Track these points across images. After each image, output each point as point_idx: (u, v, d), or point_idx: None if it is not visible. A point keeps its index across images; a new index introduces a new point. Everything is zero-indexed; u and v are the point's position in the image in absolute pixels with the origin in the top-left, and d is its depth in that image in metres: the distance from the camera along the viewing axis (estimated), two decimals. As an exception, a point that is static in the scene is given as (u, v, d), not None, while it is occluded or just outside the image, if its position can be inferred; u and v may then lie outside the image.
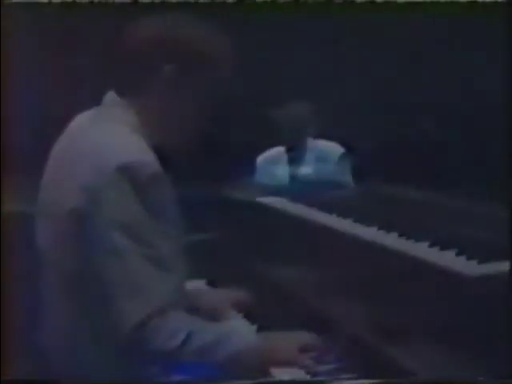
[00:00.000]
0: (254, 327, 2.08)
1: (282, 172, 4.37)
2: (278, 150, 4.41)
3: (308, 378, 1.79)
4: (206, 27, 1.91)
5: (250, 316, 2.17)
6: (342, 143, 4.24)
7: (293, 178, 4.33)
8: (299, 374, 1.80)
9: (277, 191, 3.10)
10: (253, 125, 4.50)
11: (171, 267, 1.78)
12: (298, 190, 3.63)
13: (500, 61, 2.07)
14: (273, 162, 4.40)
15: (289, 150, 4.38)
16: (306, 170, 4.30)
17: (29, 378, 1.87)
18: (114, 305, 1.72)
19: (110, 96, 1.90)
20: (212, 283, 2.50)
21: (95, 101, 1.94)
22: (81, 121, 1.92)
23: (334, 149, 4.27)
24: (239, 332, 1.87)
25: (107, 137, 1.82)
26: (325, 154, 4.27)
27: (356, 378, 1.74)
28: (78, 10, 2.28)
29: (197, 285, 2.31)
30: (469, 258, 1.75)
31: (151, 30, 1.88)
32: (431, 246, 1.89)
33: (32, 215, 1.92)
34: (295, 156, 4.36)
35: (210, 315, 2.08)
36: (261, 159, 4.47)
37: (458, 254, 1.79)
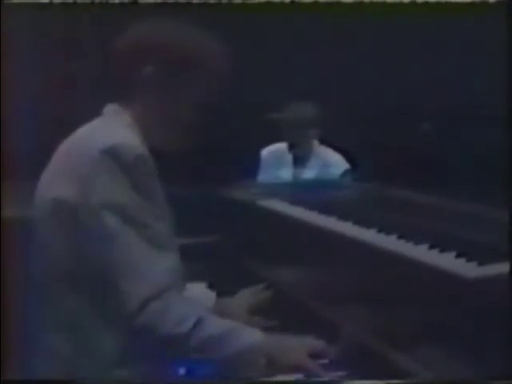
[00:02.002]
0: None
1: (286, 172, 4.37)
2: (283, 146, 4.42)
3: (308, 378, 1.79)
4: (195, 29, 1.92)
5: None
6: (345, 145, 4.25)
7: (295, 175, 4.34)
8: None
9: (277, 193, 3.10)
10: (255, 126, 4.51)
11: (165, 247, 1.78)
12: (298, 187, 3.64)
13: (500, 61, 2.06)
14: (277, 159, 4.41)
15: (291, 148, 4.39)
16: (308, 171, 4.32)
17: (29, 378, 1.87)
18: (117, 289, 1.72)
19: (110, 107, 1.93)
20: (212, 286, 2.50)
21: (96, 102, 1.94)
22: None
23: (338, 159, 4.28)
24: (248, 329, 1.86)
25: (94, 128, 1.86)
26: (328, 162, 4.28)
27: (357, 379, 1.74)
28: (78, 10, 2.28)
29: (197, 287, 2.30)
30: (468, 260, 1.75)
31: (137, 34, 1.91)
32: (431, 248, 1.89)
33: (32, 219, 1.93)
34: (298, 155, 4.37)
35: None
36: (265, 152, 4.47)
37: (457, 256, 1.79)
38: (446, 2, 2.19)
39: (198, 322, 1.74)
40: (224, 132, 4.57)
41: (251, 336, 1.82)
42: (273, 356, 1.80)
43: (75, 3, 2.24)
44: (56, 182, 1.82)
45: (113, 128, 1.84)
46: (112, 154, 1.74)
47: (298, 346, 1.84)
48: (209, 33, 1.94)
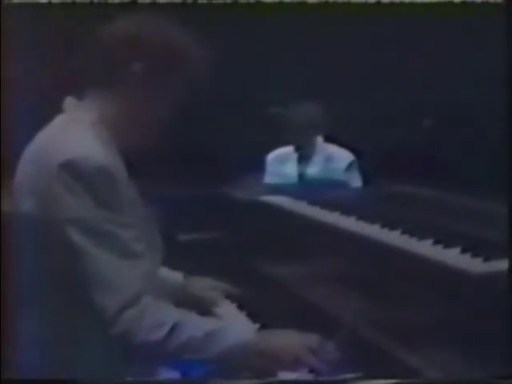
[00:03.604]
0: (256, 326, 2.07)
1: (291, 171, 4.38)
2: (288, 149, 4.42)
3: (308, 377, 1.78)
4: (185, 29, 1.90)
5: (251, 315, 2.17)
6: (348, 143, 4.25)
7: (301, 176, 4.34)
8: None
9: (282, 190, 3.10)
10: (260, 124, 4.51)
11: (136, 254, 1.77)
12: (305, 188, 3.63)
13: (500, 61, 2.06)
14: (282, 161, 4.41)
15: (297, 149, 4.40)
16: (314, 169, 4.32)
17: (29, 377, 1.87)
18: (91, 302, 1.73)
19: (68, 101, 1.91)
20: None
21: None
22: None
23: (343, 153, 4.29)
24: (236, 327, 1.85)
25: (52, 136, 1.83)
26: (334, 156, 4.29)
27: (359, 378, 1.73)
28: (78, 11, 2.28)
29: (174, 276, 2.28)
30: (473, 256, 1.74)
31: (127, 30, 1.88)
32: (435, 243, 1.89)
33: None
34: (303, 155, 4.37)
35: (198, 305, 2.08)
36: (271, 157, 4.48)
37: (462, 252, 1.79)
38: (446, 2, 2.19)
39: (175, 327, 1.74)
40: (229, 132, 4.57)
41: (240, 335, 1.81)
42: (269, 352, 1.79)
43: (74, 3, 2.24)
44: (24, 195, 1.80)
45: (72, 135, 1.80)
46: (70, 169, 1.72)
47: (297, 340, 1.83)
48: (211, 33, 1.93)
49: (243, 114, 4.79)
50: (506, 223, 1.77)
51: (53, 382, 1.83)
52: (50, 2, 2.25)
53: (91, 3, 2.25)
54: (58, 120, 1.89)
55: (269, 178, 4.41)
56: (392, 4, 2.25)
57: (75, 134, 1.81)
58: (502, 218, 1.85)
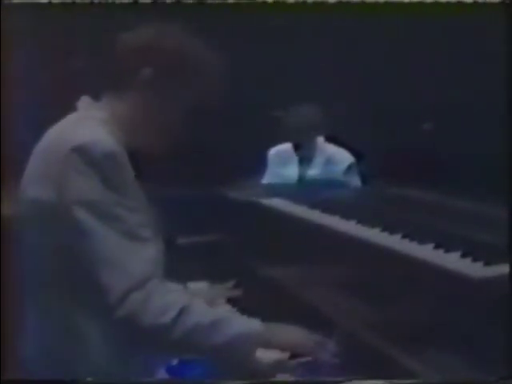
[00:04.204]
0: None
1: (291, 171, 4.38)
2: (289, 146, 4.42)
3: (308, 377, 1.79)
4: (198, 39, 1.93)
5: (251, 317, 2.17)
6: (348, 145, 4.25)
7: (301, 177, 4.34)
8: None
9: (282, 192, 3.10)
10: (260, 127, 4.51)
11: (143, 238, 1.79)
12: (305, 190, 3.63)
13: (500, 61, 2.06)
14: (283, 161, 4.41)
15: (296, 149, 4.39)
16: (314, 170, 4.32)
17: (29, 378, 1.87)
18: (98, 282, 1.73)
19: (84, 99, 1.94)
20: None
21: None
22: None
23: (343, 153, 4.29)
24: (241, 318, 1.86)
25: (66, 126, 1.88)
26: (334, 157, 4.29)
27: (358, 379, 1.73)
28: (78, 11, 2.28)
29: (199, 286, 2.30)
30: (474, 260, 1.74)
31: (142, 36, 1.92)
32: (436, 247, 1.88)
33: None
34: (303, 155, 4.37)
35: None
36: (273, 152, 4.48)
37: (462, 256, 1.79)
38: (446, 2, 2.19)
39: (182, 312, 1.74)
40: (229, 133, 4.57)
41: (246, 324, 1.83)
42: (273, 340, 1.82)
43: (75, 3, 2.24)
44: (34, 182, 1.84)
45: (84, 125, 1.85)
46: (80, 152, 1.76)
47: (302, 334, 1.87)
48: (212, 35, 1.94)
49: (244, 116, 4.80)
50: (507, 227, 1.77)
51: (53, 382, 1.83)
52: (50, 2, 2.25)
53: (91, 3, 2.25)
54: (71, 117, 1.93)
55: (269, 178, 4.41)
56: (392, 5, 2.25)
57: (87, 125, 1.85)
58: (502, 222, 1.84)
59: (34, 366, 1.87)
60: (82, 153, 1.76)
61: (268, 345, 1.82)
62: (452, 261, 1.77)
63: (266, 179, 4.42)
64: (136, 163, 1.86)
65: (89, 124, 1.85)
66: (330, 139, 4.33)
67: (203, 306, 1.86)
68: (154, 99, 1.89)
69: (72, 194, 1.75)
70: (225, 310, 2.13)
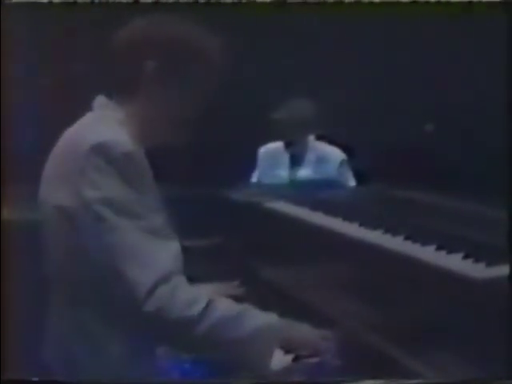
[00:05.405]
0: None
1: (282, 167, 4.36)
2: (279, 144, 4.40)
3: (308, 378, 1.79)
4: (195, 26, 1.92)
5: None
6: (345, 144, 4.25)
7: (292, 173, 4.32)
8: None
9: (280, 193, 3.09)
10: (253, 125, 4.50)
11: (167, 236, 1.79)
12: (300, 187, 3.63)
13: (500, 61, 2.06)
14: (274, 160, 4.39)
15: (288, 146, 4.37)
16: (305, 169, 4.30)
17: (29, 378, 1.87)
18: (124, 278, 1.72)
19: (99, 99, 1.93)
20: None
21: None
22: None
23: (334, 151, 4.28)
24: (263, 312, 1.86)
25: (84, 126, 1.87)
26: (325, 155, 4.27)
27: (359, 379, 1.73)
28: (78, 10, 2.28)
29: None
30: (476, 261, 1.74)
31: (138, 29, 1.91)
32: (438, 249, 1.88)
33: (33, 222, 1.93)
34: (295, 153, 4.35)
35: None
36: (262, 151, 4.46)
37: (464, 257, 1.79)
38: (446, 2, 2.19)
39: (209, 304, 1.74)
40: (222, 131, 4.56)
41: (267, 317, 1.82)
42: (289, 336, 1.82)
43: (75, 3, 2.24)
44: (55, 186, 1.83)
45: (102, 125, 1.85)
46: (100, 151, 1.75)
47: (313, 330, 1.87)
48: (208, 30, 1.94)
49: (239, 113, 4.78)
50: (507, 228, 1.77)
51: (53, 382, 1.83)
52: (50, 2, 2.25)
53: (92, 3, 2.25)
54: (88, 117, 1.92)
55: (260, 177, 4.38)
56: (391, 4, 2.25)
57: (105, 124, 1.85)
58: (503, 223, 1.85)
59: (55, 367, 1.87)
60: (102, 151, 1.75)
61: (287, 339, 1.82)
62: (454, 262, 1.77)
63: (257, 178, 4.40)
64: (153, 163, 1.85)
65: (106, 123, 1.85)
66: (321, 138, 4.32)
67: (226, 299, 1.86)
68: (163, 92, 1.88)
69: (93, 192, 1.74)
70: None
